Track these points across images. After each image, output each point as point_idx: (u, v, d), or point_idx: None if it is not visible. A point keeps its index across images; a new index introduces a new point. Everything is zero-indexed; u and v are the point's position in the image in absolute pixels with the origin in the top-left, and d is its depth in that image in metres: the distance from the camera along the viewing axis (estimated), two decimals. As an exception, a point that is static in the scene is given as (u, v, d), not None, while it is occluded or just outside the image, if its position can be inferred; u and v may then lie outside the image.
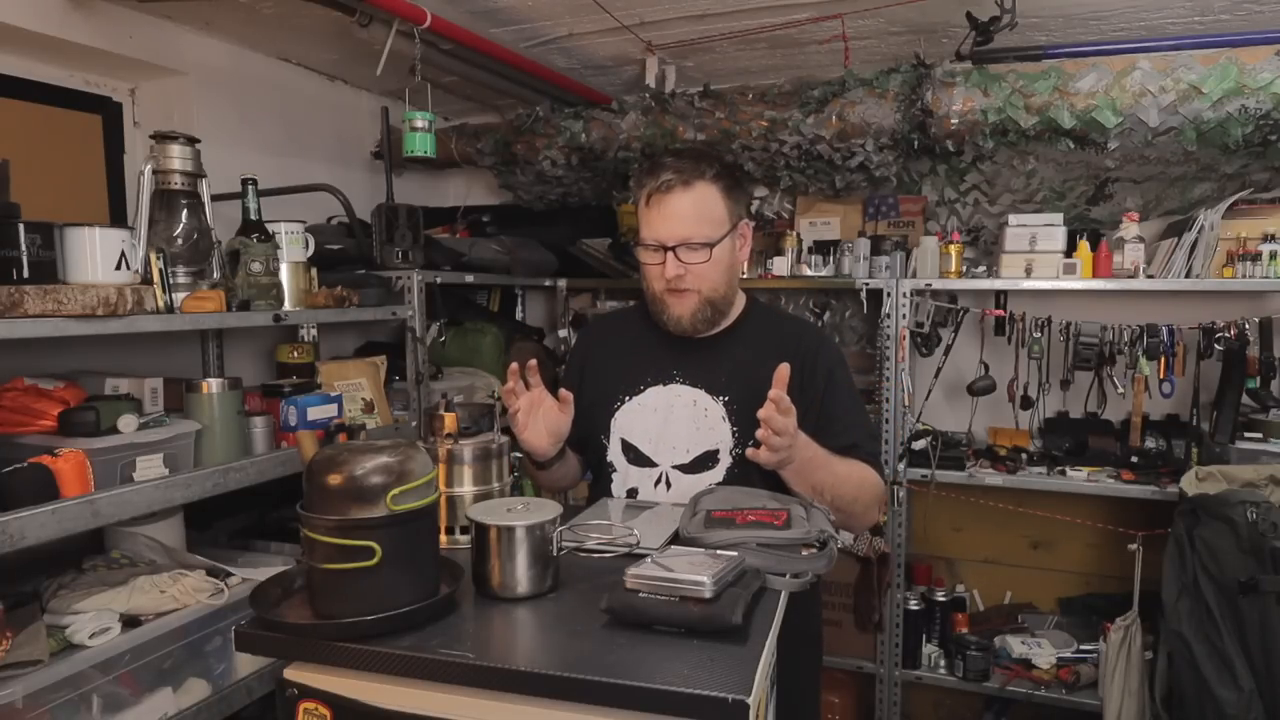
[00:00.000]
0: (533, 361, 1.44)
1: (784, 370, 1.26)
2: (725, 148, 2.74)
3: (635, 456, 1.54)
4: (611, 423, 1.56)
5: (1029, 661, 2.62)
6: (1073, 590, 2.93)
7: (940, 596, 2.78)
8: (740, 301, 1.60)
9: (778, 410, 1.23)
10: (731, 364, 1.53)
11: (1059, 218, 2.60)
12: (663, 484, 1.51)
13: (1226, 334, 2.44)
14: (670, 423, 1.52)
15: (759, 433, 1.25)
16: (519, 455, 1.47)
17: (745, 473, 1.46)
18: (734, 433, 1.49)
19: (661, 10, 2.27)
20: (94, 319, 1.40)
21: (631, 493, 1.54)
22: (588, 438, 1.59)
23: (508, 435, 1.41)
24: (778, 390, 1.24)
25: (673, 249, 1.44)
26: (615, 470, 1.56)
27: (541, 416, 1.45)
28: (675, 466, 1.51)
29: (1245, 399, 2.45)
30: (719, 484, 1.47)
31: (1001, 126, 2.42)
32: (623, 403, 1.56)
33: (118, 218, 2.27)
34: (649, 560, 1.04)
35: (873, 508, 1.49)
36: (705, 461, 1.50)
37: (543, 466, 1.53)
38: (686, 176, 1.44)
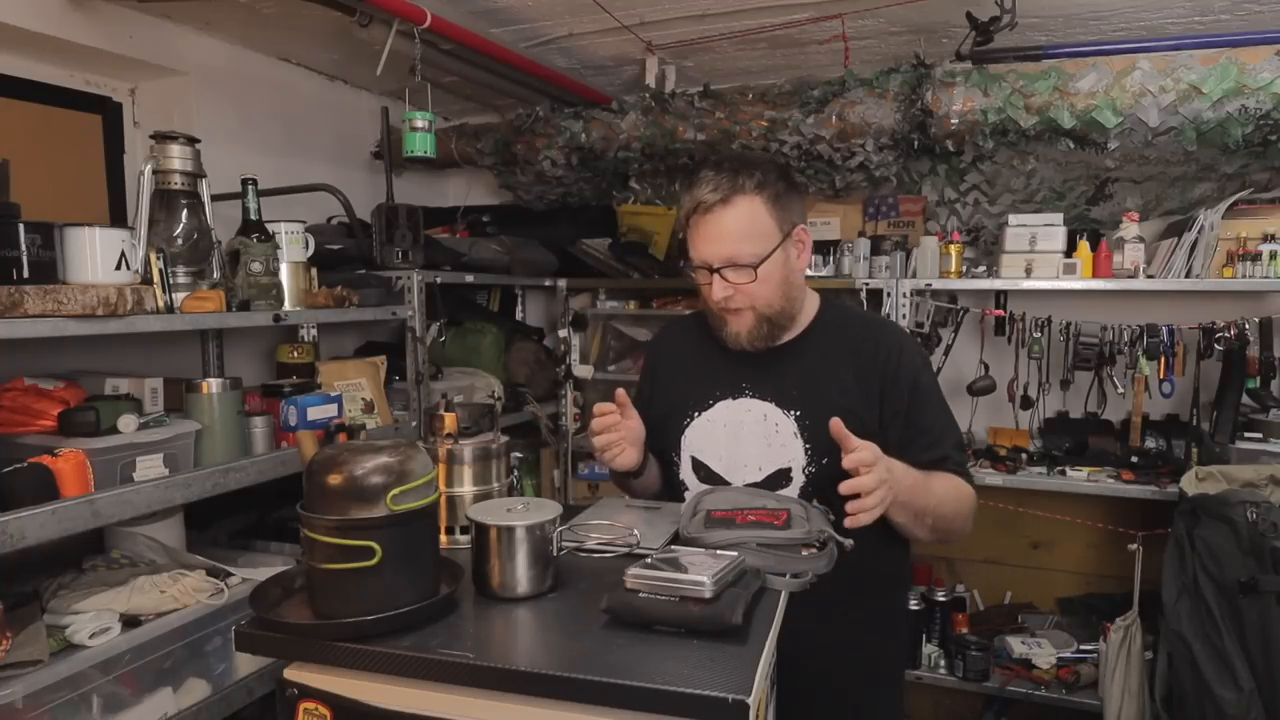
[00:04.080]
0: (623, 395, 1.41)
1: (836, 426, 1.18)
2: (725, 148, 2.74)
3: (706, 475, 1.48)
4: (681, 440, 1.51)
5: (1029, 661, 2.62)
6: (1073, 590, 2.93)
7: (940, 596, 2.77)
8: (813, 305, 1.51)
9: (860, 470, 1.16)
10: (801, 375, 1.44)
11: (1059, 218, 2.59)
12: None
13: (1226, 334, 2.44)
14: (741, 440, 1.45)
15: (849, 506, 1.16)
16: (519, 456, 1.46)
17: (819, 490, 1.39)
18: (806, 450, 1.41)
19: (661, 10, 2.28)
20: (94, 319, 1.40)
21: None
22: (660, 451, 1.55)
23: (507, 436, 1.41)
24: (852, 458, 1.16)
25: (718, 270, 1.38)
26: (687, 489, 1.50)
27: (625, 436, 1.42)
28: (748, 485, 1.44)
29: (1245, 399, 2.45)
30: None
31: (1001, 126, 2.41)
32: (692, 419, 1.50)
33: (118, 218, 2.27)
34: (649, 560, 1.04)
35: (968, 520, 1.42)
36: (778, 480, 1.43)
37: (637, 475, 1.49)
38: (725, 194, 1.36)
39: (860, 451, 1.17)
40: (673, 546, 1.17)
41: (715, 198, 1.37)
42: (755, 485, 1.43)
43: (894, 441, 1.36)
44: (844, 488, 1.16)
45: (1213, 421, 2.48)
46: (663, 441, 1.54)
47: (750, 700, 0.82)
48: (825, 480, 1.37)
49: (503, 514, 1.10)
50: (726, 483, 1.46)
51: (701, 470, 1.49)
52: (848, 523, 1.17)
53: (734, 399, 1.47)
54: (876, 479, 1.16)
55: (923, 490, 1.31)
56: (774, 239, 1.39)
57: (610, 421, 1.39)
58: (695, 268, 1.42)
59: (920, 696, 2.98)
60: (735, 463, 1.46)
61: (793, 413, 1.43)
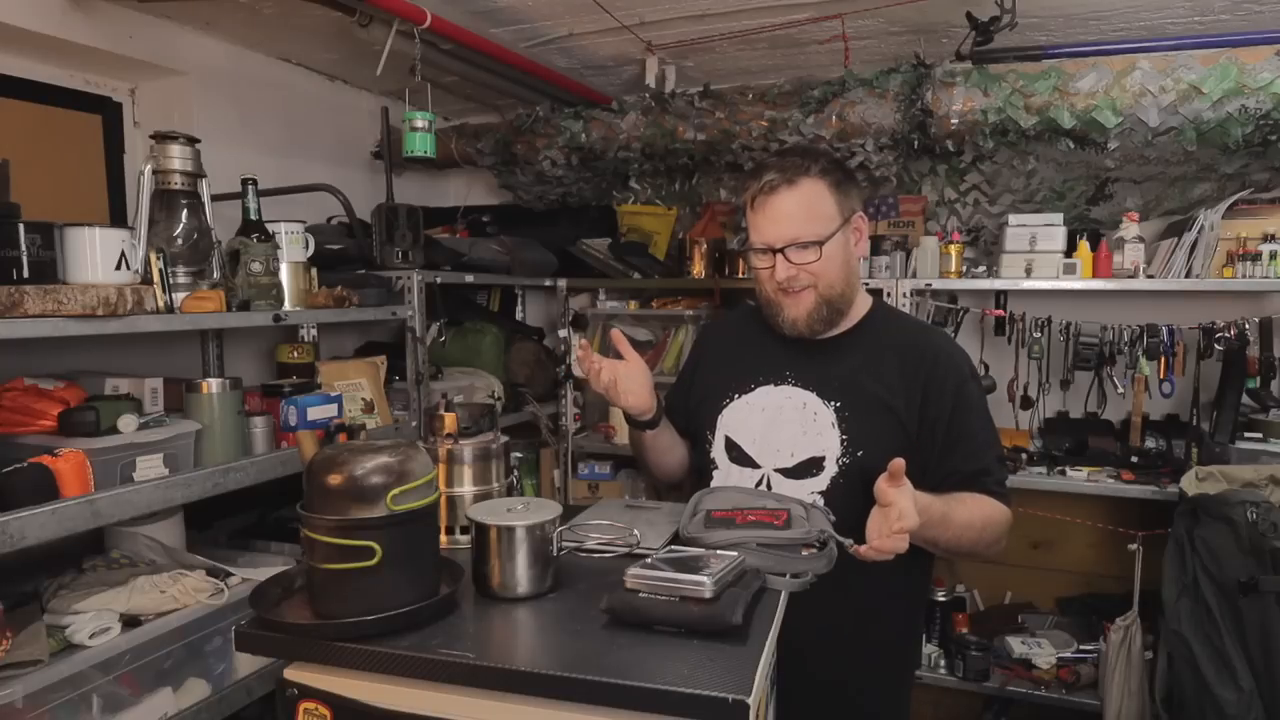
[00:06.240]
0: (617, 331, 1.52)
1: (898, 465, 1.14)
2: (725, 148, 2.74)
3: (738, 455, 1.49)
4: (718, 419, 1.52)
5: (1029, 661, 2.62)
6: (1073, 590, 2.93)
7: (940, 596, 2.78)
8: (864, 304, 1.53)
9: (889, 515, 1.13)
10: (847, 368, 1.45)
11: (1059, 218, 2.59)
12: (764, 487, 1.46)
13: (1226, 334, 2.44)
14: (777, 424, 1.46)
15: (874, 540, 1.15)
16: (519, 456, 1.47)
17: (851, 483, 1.39)
18: (843, 441, 1.41)
19: (661, 10, 2.28)
20: (94, 319, 1.40)
21: None
22: (695, 434, 1.57)
23: (507, 436, 1.41)
24: (887, 497, 1.14)
25: (781, 250, 1.40)
26: (717, 467, 1.52)
27: (625, 378, 1.46)
28: (778, 470, 1.45)
29: (1245, 399, 2.45)
30: (822, 492, 1.41)
31: (1001, 126, 2.42)
32: (731, 400, 1.52)
33: (118, 218, 2.27)
34: (649, 560, 1.04)
35: (996, 544, 1.40)
36: (810, 468, 1.43)
37: (651, 425, 1.51)
38: (790, 175, 1.40)
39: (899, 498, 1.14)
40: (673, 546, 1.17)
41: (781, 179, 1.40)
42: (785, 469, 1.44)
43: (934, 450, 1.37)
44: (871, 545, 1.14)
45: (1213, 421, 2.48)
46: (698, 422, 1.55)
47: (750, 700, 0.82)
48: (858, 472, 1.38)
49: (503, 514, 1.10)
50: (757, 465, 1.47)
51: (734, 450, 1.50)
52: (864, 551, 1.15)
53: (776, 385, 1.49)
54: (900, 525, 1.12)
55: (938, 525, 1.28)
56: (836, 221, 1.43)
57: (594, 367, 1.45)
58: (757, 252, 1.44)
59: (920, 696, 2.98)
60: (768, 446, 1.47)
61: (833, 403, 1.44)
